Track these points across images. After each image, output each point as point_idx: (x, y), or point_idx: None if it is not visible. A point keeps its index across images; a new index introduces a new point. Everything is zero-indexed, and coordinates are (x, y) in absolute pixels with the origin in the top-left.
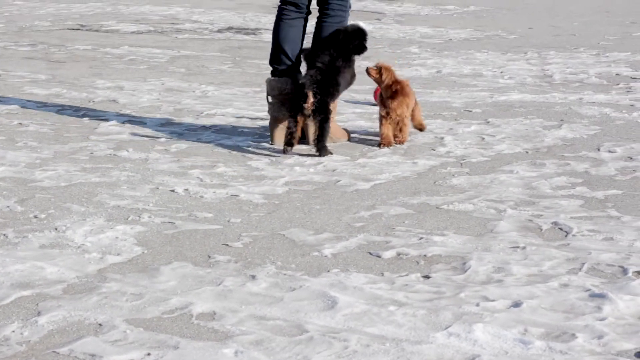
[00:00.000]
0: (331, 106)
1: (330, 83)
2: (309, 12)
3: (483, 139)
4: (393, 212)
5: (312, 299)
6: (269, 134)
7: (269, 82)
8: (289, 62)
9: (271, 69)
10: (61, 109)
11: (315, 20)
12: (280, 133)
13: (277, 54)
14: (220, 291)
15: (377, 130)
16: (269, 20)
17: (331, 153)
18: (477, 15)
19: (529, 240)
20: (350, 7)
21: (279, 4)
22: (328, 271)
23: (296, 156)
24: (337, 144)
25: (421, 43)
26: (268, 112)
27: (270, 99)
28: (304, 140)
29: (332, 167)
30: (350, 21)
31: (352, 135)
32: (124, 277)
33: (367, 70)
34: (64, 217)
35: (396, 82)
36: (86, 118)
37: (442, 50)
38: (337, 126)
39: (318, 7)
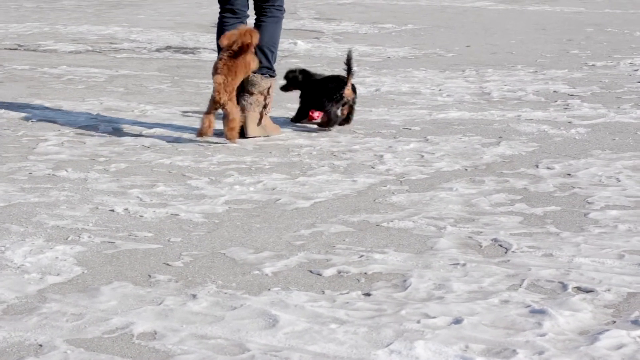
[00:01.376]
0: (267, 100)
1: None
2: (246, 16)
3: (422, 156)
4: (333, 230)
5: (253, 318)
6: (209, 153)
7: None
8: None
9: None
10: None
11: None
12: None
13: None
14: (161, 310)
15: (317, 147)
16: (208, 39)
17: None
18: (415, 33)
19: (469, 257)
20: (284, 10)
21: (219, 12)
22: (269, 290)
23: (236, 175)
24: (275, 160)
25: (360, 61)
26: None
27: None
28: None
29: (272, 185)
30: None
31: (290, 153)
32: (64, 297)
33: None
34: (3, 238)
35: None
36: (25, 138)
37: (381, 69)
38: (270, 121)
39: (255, 11)
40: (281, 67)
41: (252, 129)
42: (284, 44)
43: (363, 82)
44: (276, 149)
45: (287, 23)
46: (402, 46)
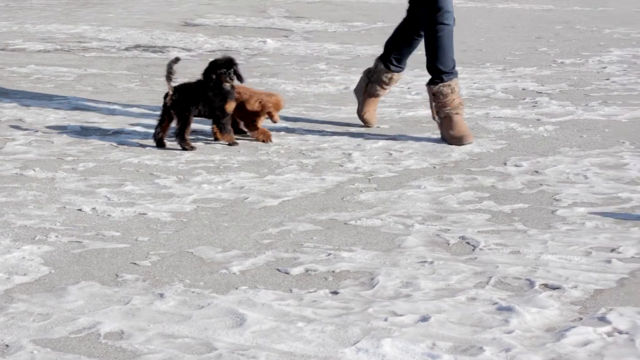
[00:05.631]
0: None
1: None
2: None
3: (390, 154)
4: (301, 228)
5: (221, 317)
6: (177, 152)
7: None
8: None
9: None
10: None
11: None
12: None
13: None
14: (128, 310)
15: (285, 146)
16: (177, 38)
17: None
18: (385, 31)
19: (437, 254)
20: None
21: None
22: (236, 288)
23: (204, 174)
24: (244, 159)
25: (329, 60)
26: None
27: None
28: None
29: (240, 184)
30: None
31: (259, 152)
32: (31, 297)
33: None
34: None
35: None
36: None
37: (350, 67)
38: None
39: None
40: (250, 65)
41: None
42: (253, 42)
43: (332, 81)
44: (244, 147)
45: (256, 21)
46: (372, 44)
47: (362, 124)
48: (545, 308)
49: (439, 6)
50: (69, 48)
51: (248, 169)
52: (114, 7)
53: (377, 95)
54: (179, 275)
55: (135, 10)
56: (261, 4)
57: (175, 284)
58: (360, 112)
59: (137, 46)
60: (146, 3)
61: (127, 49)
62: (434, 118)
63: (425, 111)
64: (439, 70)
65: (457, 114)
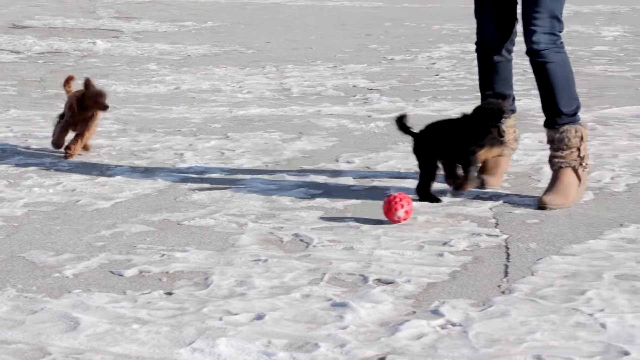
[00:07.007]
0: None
1: None
2: None
3: (223, 153)
4: (134, 230)
5: (54, 321)
6: (7, 155)
7: None
8: None
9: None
10: None
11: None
12: None
13: None
14: None
15: (116, 147)
16: (5, 40)
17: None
18: (215, 30)
19: (271, 252)
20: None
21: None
22: (69, 292)
23: (35, 177)
24: (75, 161)
25: (160, 60)
26: None
27: None
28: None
29: (72, 187)
30: None
31: (90, 154)
32: None
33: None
34: None
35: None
36: None
37: (181, 67)
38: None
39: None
40: (80, 67)
41: None
42: (82, 43)
43: (163, 81)
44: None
45: (86, 22)
46: (203, 44)
47: (193, 123)
48: (379, 303)
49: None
50: None
51: (79, 171)
52: None
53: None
54: (11, 280)
55: None
56: (90, 4)
57: (7, 289)
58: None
59: None
60: None
61: None
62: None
63: (257, 110)
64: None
65: None
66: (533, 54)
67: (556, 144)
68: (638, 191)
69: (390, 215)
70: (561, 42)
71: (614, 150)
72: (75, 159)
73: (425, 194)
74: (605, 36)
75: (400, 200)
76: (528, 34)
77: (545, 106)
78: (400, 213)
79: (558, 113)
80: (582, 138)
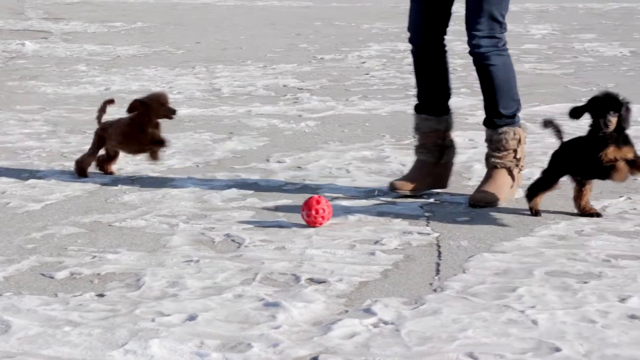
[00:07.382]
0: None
1: None
2: None
3: None
4: (65, 232)
5: None
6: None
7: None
8: None
9: None
10: None
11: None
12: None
13: None
14: None
15: (46, 149)
16: None
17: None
18: (145, 31)
19: (202, 253)
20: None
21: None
22: (0, 295)
23: None
24: (4, 164)
25: (89, 61)
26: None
27: None
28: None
29: (2, 189)
30: None
31: (20, 156)
32: None
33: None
34: None
35: None
36: None
37: (110, 67)
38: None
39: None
40: (9, 68)
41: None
42: (11, 45)
43: (93, 82)
44: (5, 152)
45: (14, 24)
46: (132, 44)
47: None
48: (311, 302)
49: None
50: None
51: (9, 174)
52: None
53: None
54: None
55: None
56: (19, 5)
57: None
58: None
59: None
60: None
61: None
62: None
63: (187, 110)
64: None
65: None
66: (474, 56)
67: (494, 144)
68: (567, 188)
69: (313, 224)
70: (503, 45)
71: (544, 148)
72: (4, 161)
73: (532, 196)
74: (534, 34)
75: (316, 212)
76: (469, 38)
77: (486, 106)
78: (320, 219)
79: (498, 115)
80: (520, 141)
